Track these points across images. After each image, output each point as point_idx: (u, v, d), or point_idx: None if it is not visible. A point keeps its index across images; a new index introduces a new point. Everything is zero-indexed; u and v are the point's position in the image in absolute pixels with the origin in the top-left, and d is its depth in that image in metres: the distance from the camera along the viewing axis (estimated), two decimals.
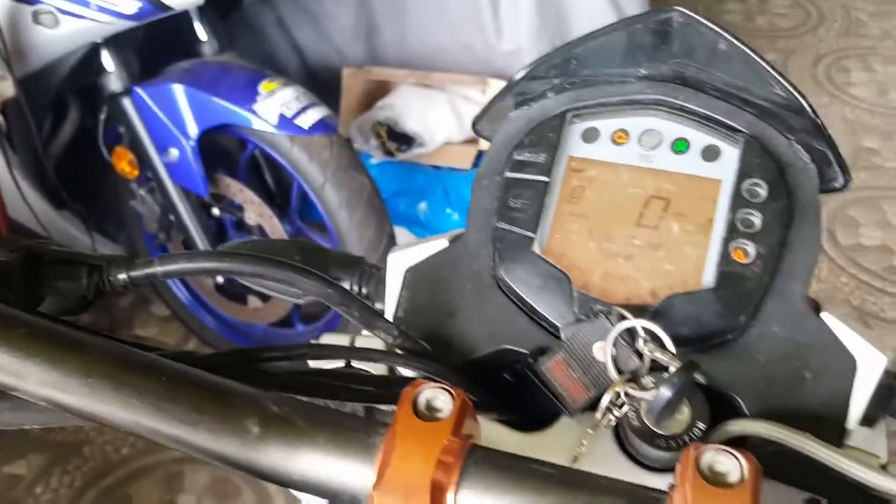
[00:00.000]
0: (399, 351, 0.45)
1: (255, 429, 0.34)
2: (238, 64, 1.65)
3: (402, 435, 0.33)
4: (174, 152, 1.61)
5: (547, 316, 0.46)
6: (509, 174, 0.49)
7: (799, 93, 0.45)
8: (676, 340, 0.43)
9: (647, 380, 0.42)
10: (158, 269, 0.39)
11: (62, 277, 0.38)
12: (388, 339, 0.44)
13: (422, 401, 0.34)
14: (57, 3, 1.42)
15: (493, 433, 0.45)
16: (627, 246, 0.46)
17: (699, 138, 0.47)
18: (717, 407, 0.43)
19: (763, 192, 0.45)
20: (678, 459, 0.32)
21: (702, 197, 0.46)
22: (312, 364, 0.47)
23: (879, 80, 3.03)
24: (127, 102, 1.59)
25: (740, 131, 0.46)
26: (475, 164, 2.05)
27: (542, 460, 0.34)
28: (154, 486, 1.80)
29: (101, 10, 1.38)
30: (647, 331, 0.42)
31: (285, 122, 1.54)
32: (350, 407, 0.45)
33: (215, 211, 1.80)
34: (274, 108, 1.54)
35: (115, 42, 1.53)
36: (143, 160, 1.67)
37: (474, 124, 0.52)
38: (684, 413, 0.41)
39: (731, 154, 0.46)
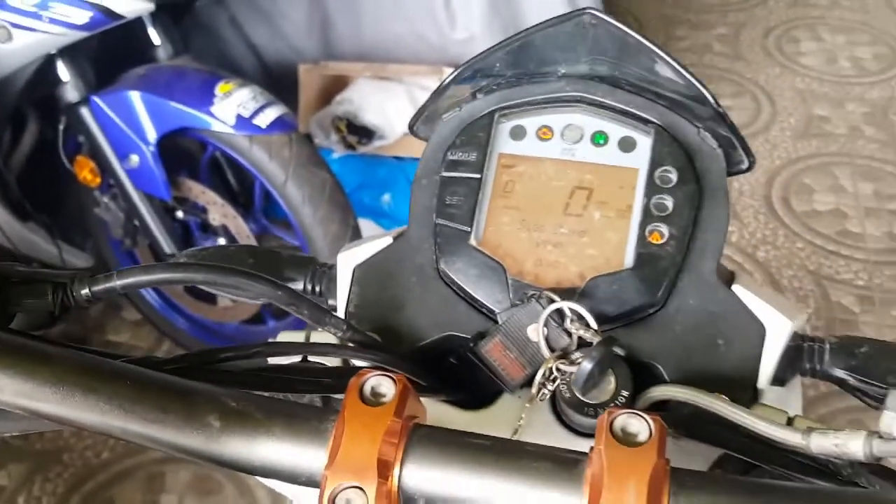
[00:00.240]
0: (350, 344, 0.48)
1: (217, 423, 0.37)
2: (193, 67, 1.67)
3: (350, 420, 0.36)
4: (135, 158, 1.62)
5: (485, 303, 0.50)
6: (445, 174, 0.52)
7: (702, 84, 0.49)
8: (602, 318, 0.47)
9: (576, 355, 0.46)
10: (117, 282, 0.42)
11: (29, 296, 0.41)
12: (338, 334, 0.47)
13: (367, 388, 0.37)
14: (9, 17, 1.42)
15: (443, 413, 0.49)
16: (556, 234, 0.50)
17: (616, 131, 0.51)
18: (641, 375, 0.47)
19: (674, 177, 0.49)
20: None
21: (621, 185, 0.50)
22: (273, 360, 0.50)
23: (828, 48, 3.10)
24: (85, 112, 1.60)
25: (652, 122, 0.50)
26: None
27: (478, 434, 0.37)
28: (136, 487, 1.83)
29: (54, 21, 1.39)
30: (573, 311, 0.46)
31: (243, 123, 1.56)
32: (308, 398, 0.49)
33: (179, 214, 1.82)
34: (231, 109, 1.56)
35: (69, 52, 1.54)
36: (104, 168, 1.68)
37: (411, 127, 0.56)
38: (610, 383, 0.46)
39: (644, 144, 0.50)
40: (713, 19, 3.29)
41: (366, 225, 1.96)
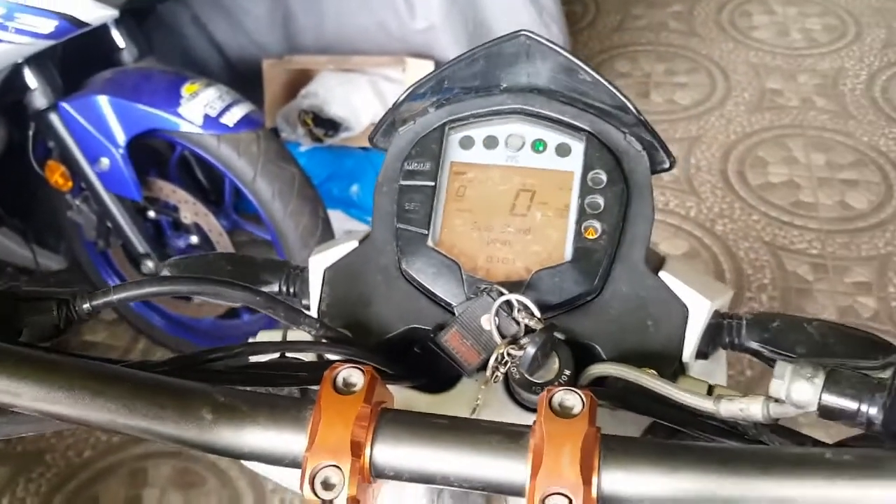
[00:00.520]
0: (323, 340, 0.54)
1: (209, 416, 0.43)
2: (159, 69, 1.70)
3: (325, 408, 0.42)
4: (105, 161, 1.65)
5: (443, 297, 0.56)
6: (403, 182, 0.58)
7: (624, 95, 0.55)
8: (547, 306, 0.53)
9: (524, 340, 0.52)
10: (114, 297, 0.47)
11: (36, 313, 0.46)
12: (311, 332, 0.53)
13: (339, 379, 0.43)
14: None
15: (409, 397, 0.55)
16: (503, 233, 0.56)
17: (553, 138, 0.57)
18: (582, 355, 0.53)
19: (604, 178, 0.55)
20: None
21: (559, 187, 0.56)
22: (254, 359, 0.56)
23: (779, 21, 3.18)
24: (54, 117, 1.62)
25: (584, 130, 0.56)
26: None
27: (438, 415, 0.43)
28: (119, 483, 1.87)
29: (19, 32, 1.41)
30: (520, 302, 0.52)
31: (210, 122, 1.60)
32: (287, 391, 0.54)
33: (151, 214, 1.85)
34: (198, 109, 1.59)
35: (36, 60, 1.56)
36: (75, 172, 1.70)
37: (371, 139, 0.61)
38: (554, 363, 0.52)
39: (578, 149, 0.56)
40: None
41: (336, 216, 2.00)
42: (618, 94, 0.55)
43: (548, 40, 0.55)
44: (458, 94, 0.58)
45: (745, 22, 3.18)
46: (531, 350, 0.48)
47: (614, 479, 0.38)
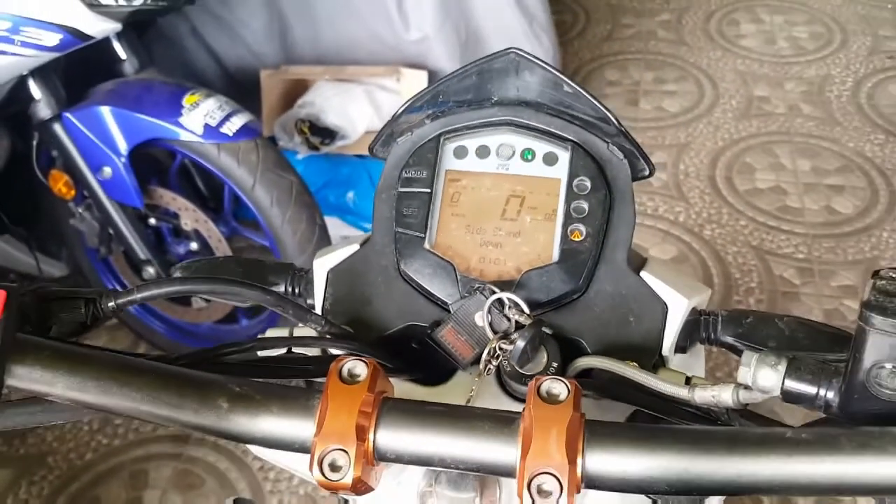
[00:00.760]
0: (328, 336, 0.58)
1: (225, 405, 0.46)
2: (160, 80, 1.74)
3: (332, 396, 0.45)
4: (107, 170, 1.69)
5: (439, 296, 0.60)
6: (401, 189, 0.62)
7: (606, 108, 0.59)
8: (535, 304, 0.57)
9: (514, 335, 0.56)
10: (137, 295, 0.51)
11: (65, 310, 0.50)
12: (317, 328, 0.57)
13: (345, 370, 0.46)
14: None
15: (407, 390, 0.59)
16: (495, 236, 0.60)
17: (541, 147, 0.61)
18: (569, 349, 0.57)
19: (589, 185, 0.59)
20: None
21: (547, 193, 0.60)
22: (262, 353, 0.59)
23: (767, 30, 3.24)
24: (58, 128, 1.66)
25: (570, 140, 0.60)
26: None
27: (435, 402, 0.47)
28: (120, 485, 1.89)
29: (25, 45, 1.45)
30: (510, 300, 0.56)
31: (211, 132, 1.64)
32: (294, 382, 0.58)
33: (152, 221, 1.89)
34: (199, 119, 1.63)
35: (40, 71, 1.59)
36: (78, 180, 1.74)
37: (371, 149, 0.65)
38: (543, 356, 0.56)
39: (564, 158, 0.60)
40: (657, 6, 3.41)
41: (332, 222, 2.04)
42: (600, 106, 0.59)
43: (536, 57, 0.59)
44: (452, 107, 0.62)
45: (733, 30, 3.24)
46: (521, 343, 0.53)
47: (597, 460, 0.42)
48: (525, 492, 0.42)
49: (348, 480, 0.44)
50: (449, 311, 0.59)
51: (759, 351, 0.55)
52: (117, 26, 1.53)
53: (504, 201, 0.61)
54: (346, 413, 0.45)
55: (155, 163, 1.87)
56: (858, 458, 0.38)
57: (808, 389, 0.44)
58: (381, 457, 0.45)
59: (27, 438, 2.00)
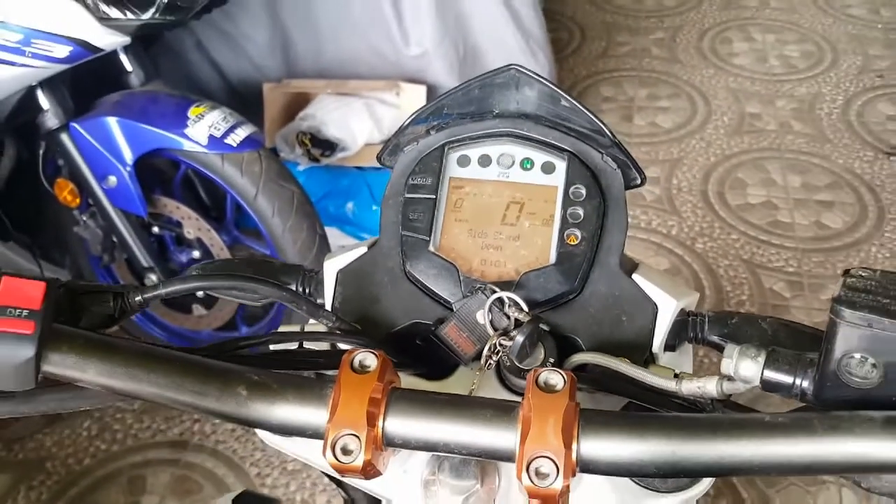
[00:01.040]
0: (338, 332, 0.62)
1: (244, 393, 0.49)
2: (166, 92, 1.77)
3: (345, 385, 0.48)
4: (113, 179, 1.73)
5: (443, 295, 0.63)
6: (407, 195, 0.65)
7: (601, 121, 0.63)
8: (533, 303, 0.61)
9: (513, 332, 0.59)
10: (162, 290, 0.55)
11: (94, 304, 0.54)
12: (328, 324, 0.61)
13: (356, 362, 0.49)
14: None
15: (412, 384, 0.62)
16: (496, 239, 0.64)
17: (539, 157, 0.65)
18: (565, 346, 0.61)
19: (584, 192, 0.63)
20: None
21: (545, 200, 0.64)
22: (273, 348, 0.63)
23: (759, 48, 3.30)
24: (65, 137, 1.70)
25: (566, 150, 0.64)
26: None
27: (440, 392, 0.50)
28: (119, 491, 1.91)
29: (35, 56, 1.49)
30: (510, 299, 0.59)
31: (215, 142, 1.68)
32: (306, 374, 0.62)
33: (155, 229, 1.92)
34: (203, 130, 1.67)
35: (49, 82, 1.63)
36: (83, 189, 1.77)
37: (379, 158, 0.69)
38: (540, 352, 0.59)
39: (561, 167, 0.64)
40: (651, 24, 3.47)
41: (331, 233, 2.07)
42: (595, 119, 0.63)
43: (535, 73, 0.63)
44: (455, 119, 0.66)
45: (726, 49, 3.30)
46: (520, 339, 0.56)
47: (591, 445, 0.45)
48: (524, 474, 0.45)
49: (359, 463, 0.46)
50: (452, 310, 0.62)
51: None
52: (126, 39, 1.57)
53: (504, 207, 0.65)
54: (358, 401, 0.47)
55: (159, 173, 1.91)
56: (830, 439, 0.42)
57: (785, 379, 0.48)
58: (389, 442, 0.48)
59: (26, 443, 2.02)
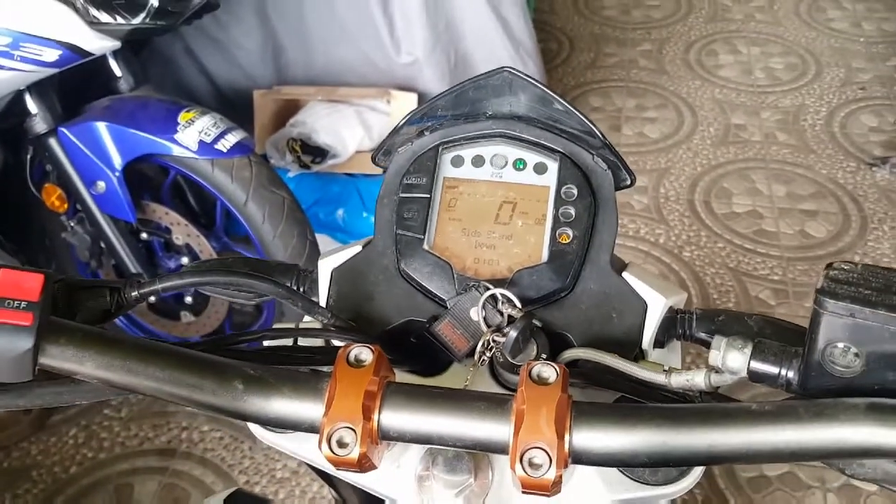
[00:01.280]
0: (332, 328, 0.62)
1: (241, 386, 0.50)
2: (156, 97, 1.78)
3: (341, 379, 0.49)
4: (101, 185, 1.72)
5: (437, 293, 0.64)
6: (402, 194, 0.66)
7: (592, 123, 0.64)
8: (526, 300, 0.61)
9: (506, 329, 0.60)
10: (159, 285, 0.55)
11: (91, 298, 0.54)
12: (323, 321, 0.61)
13: (352, 356, 0.50)
14: None
15: (407, 381, 0.63)
16: (489, 238, 0.65)
17: (532, 158, 0.66)
18: (557, 342, 0.62)
19: (575, 192, 0.64)
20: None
21: (537, 200, 0.65)
22: (268, 344, 0.63)
23: (744, 60, 3.34)
24: (53, 142, 1.69)
25: (558, 151, 0.65)
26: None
27: (435, 386, 0.51)
28: (105, 499, 1.90)
29: (24, 60, 1.49)
30: (503, 296, 0.60)
31: (205, 148, 1.68)
32: (301, 370, 0.62)
33: (144, 235, 1.91)
34: (193, 135, 1.67)
35: (37, 86, 1.62)
36: (71, 194, 1.77)
37: (373, 158, 0.70)
38: (533, 348, 0.60)
39: (553, 168, 0.65)
40: (638, 36, 3.51)
41: (322, 239, 2.07)
42: (586, 121, 0.64)
43: (527, 75, 0.64)
44: (450, 120, 0.67)
45: (712, 61, 3.34)
46: (513, 334, 0.57)
47: (583, 436, 0.46)
48: (518, 464, 0.45)
49: (354, 456, 0.47)
50: (446, 307, 0.63)
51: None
52: (116, 44, 1.57)
53: (497, 206, 0.66)
54: (354, 394, 0.48)
55: (148, 178, 1.90)
56: (815, 426, 0.43)
57: (771, 369, 0.49)
58: (384, 435, 0.48)
59: (11, 452, 2.01)
